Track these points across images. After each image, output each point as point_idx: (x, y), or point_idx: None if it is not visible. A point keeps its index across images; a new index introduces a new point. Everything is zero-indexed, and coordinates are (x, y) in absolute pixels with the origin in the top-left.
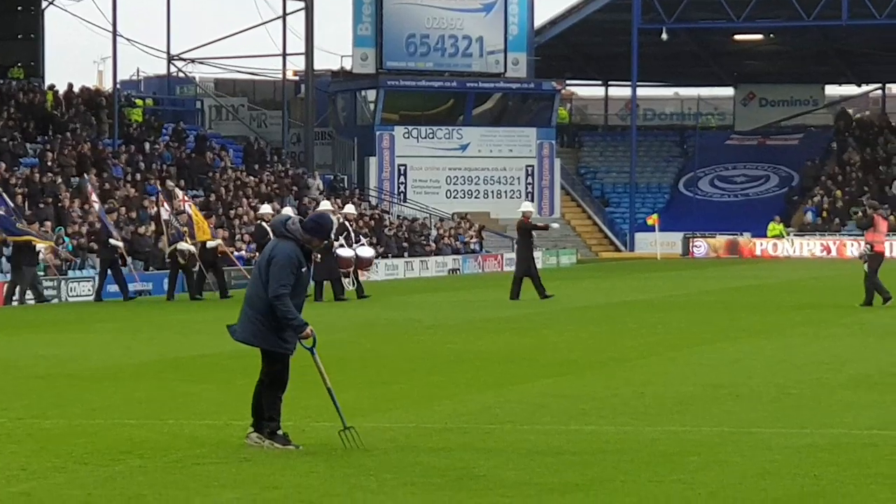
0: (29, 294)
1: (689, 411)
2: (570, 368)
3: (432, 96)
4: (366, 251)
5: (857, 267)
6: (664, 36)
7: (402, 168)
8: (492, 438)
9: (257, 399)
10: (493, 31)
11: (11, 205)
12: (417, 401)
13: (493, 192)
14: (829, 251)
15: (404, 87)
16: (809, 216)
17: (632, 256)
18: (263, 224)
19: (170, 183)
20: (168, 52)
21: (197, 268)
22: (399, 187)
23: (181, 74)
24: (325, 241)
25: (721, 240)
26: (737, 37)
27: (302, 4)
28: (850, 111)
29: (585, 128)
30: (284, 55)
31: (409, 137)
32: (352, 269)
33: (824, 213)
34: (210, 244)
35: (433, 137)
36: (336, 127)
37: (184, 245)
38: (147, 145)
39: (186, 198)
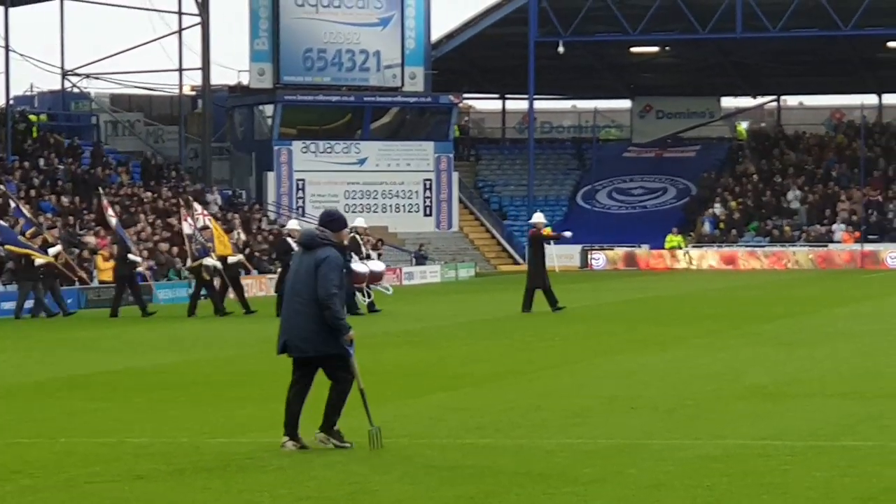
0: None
1: (585, 423)
2: (467, 382)
3: (330, 111)
4: (377, 265)
5: (752, 277)
6: (560, 49)
7: (301, 183)
8: (388, 452)
9: (294, 408)
10: (390, 45)
11: (28, 216)
12: (315, 416)
13: (391, 205)
14: (727, 262)
15: (302, 102)
16: (707, 227)
17: None
18: (288, 239)
19: (189, 197)
20: (62, 68)
21: (219, 283)
22: (297, 202)
23: (76, 90)
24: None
25: (619, 252)
26: (633, 49)
27: (198, 19)
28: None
29: (483, 141)
30: (181, 70)
31: (307, 152)
32: (365, 283)
33: (722, 225)
34: (231, 259)
35: (331, 152)
36: (234, 142)
37: (209, 260)
38: (42, 161)
39: (206, 212)
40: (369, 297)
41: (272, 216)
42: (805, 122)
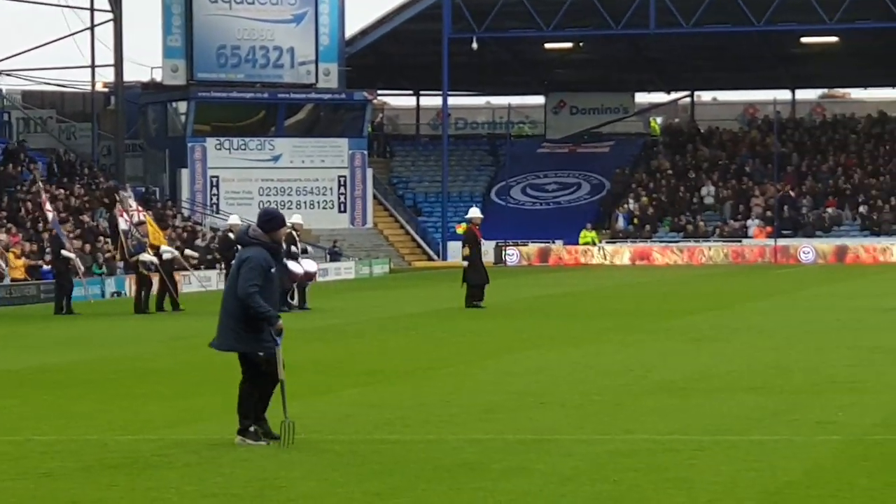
0: None
1: (494, 419)
2: (377, 378)
3: (244, 108)
4: (310, 265)
5: (666, 272)
6: (474, 45)
7: (215, 179)
8: (296, 449)
9: (247, 402)
10: (304, 41)
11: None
12: (224, 413)
13: (305, 202)
14: (641, 258)
15: (215, 99)
16: (621, 223)
17: (444, 265)
18: (230, 235)
19: (122, 192)
20: None
21: (158, 279)
22: (212, 199)
23: None
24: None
25: (533, 248)
26: (547, 45)
27: (111, 15)
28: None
29: (397, 137)
30: (93, 67)
31: (221, 149)
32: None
33: (636, 220)
34: (166, 256)
35: (245, 149)
36: (147, 139)
37: (146, 256)
38: None
39: (140, 207)
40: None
41: (186, 213)
42: (719, 118)
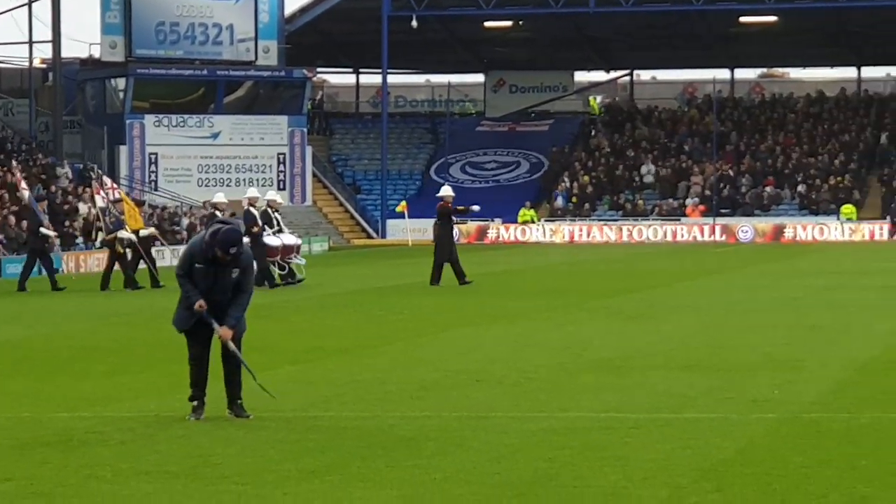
0: None
1: (430, 397)
2: (315, 355)
3: (183, 85)
4: (290, 238)
5: (604, 251)
6: (414, 23)
7: (153, 157)
8: (232, 426)
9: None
10: (243, 18)
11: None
12: (159, 390)
13: (244, 180)
14: (580, 236)
15: (154, 76)
16: (560, 201)
17: (383, 243)
18: (216, 213)
19: (98, 170)
20: None
21: (131, 257)
22: (150, 176)
23: None
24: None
25: (472, 226)
26: (486, 24)
27: None
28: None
29: (337, 115)
30: (31, 43)
31: (159, 126)
32: (279, 256)
33: (575, 199)
34: (143, 233)
35: (184, 126)
36: (85, 115)
37: (124, 233)
38: None
39: (115, 185)
40: (283, 269)
41: (125, 190)
42: (658, 97)
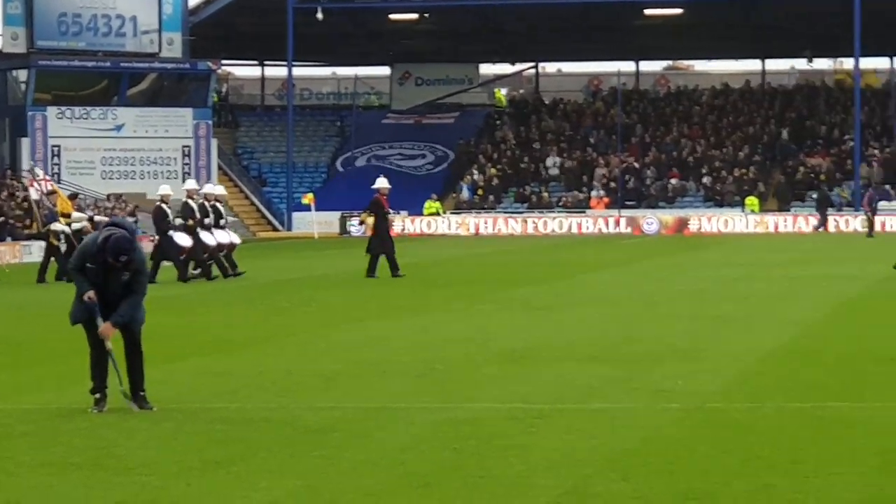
0: None
1: (336, 388)
2: (222, 347)
3: (86, 76)
4: (223, 236)
5: (510, 242)
6: (319, 15)
7: (56, 149)
8: (136, 418)
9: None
10: (147, 10)
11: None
12: (64, 382)
13: (149, 172)
14: (485, 228)
15: (57, 67)
16: (466, 194)
17: (289, 236)
18: (163, 206)
19: (30, 162)
20: None
21: (65, 250)
22: (53, 168)
23: None
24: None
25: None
26: (392, 16)
27: None
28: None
29: (242, 108)
30: None
31: (62, 118)
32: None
33: (480, 191)
34: (76, 225)
35: (87, 118)
36: None
37: (58, 225)
38: None
39: (48, 177)
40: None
41: (27, 183)
42: (563, 89)
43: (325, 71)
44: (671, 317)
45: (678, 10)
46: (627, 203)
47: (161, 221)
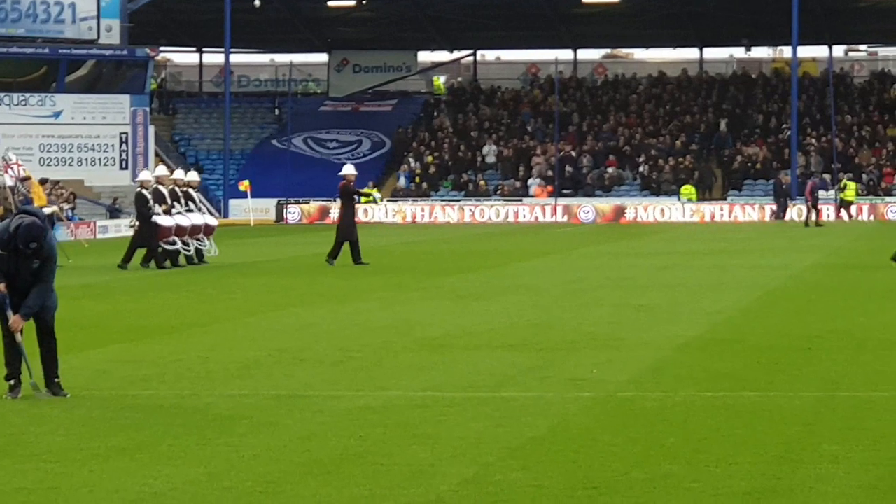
0: None
1: (251, 376)
2: (140, 334)
3: (24, 63)
4: (198, 218)
5: (446, 231)
6: (257, 3)
7: None
8: (47, 405)
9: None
10: None
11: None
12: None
13: (87, 159)
14: (422, 216)
15: None
16: (403, 182)
17: (226, 223)
18: (143, 192)
19: (4, 148)
20: None
21: None
22: None
23: None
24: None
25: (314, 206)
26: (330, 3)
27: None
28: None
29: (180, 94)
30: None
31: (0, 104)
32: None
33: (417, 179)
34: (47, 210)
35: (25, 104)
36: None
37: None
38: None
39: (21, 163)
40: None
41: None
42: (501, 77)
43: (264, 58)
44: (594, 305)
45: None
46: (564, 192)
47: (143, 207)
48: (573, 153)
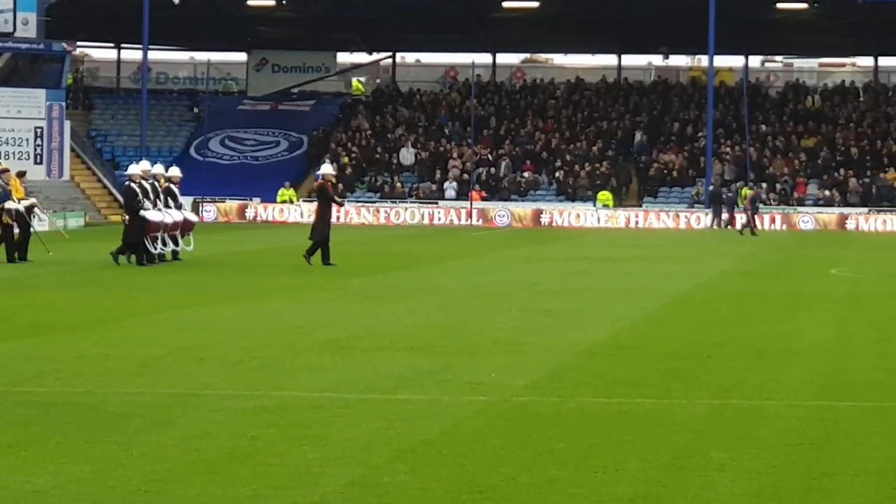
0: None
1: (150, 373)
2: (41, 330)
3: None
4: (177, 215)
5: (361, 232)
6: (176, 0)
7: None
8: None
9: None
10: None
11: None
12: None
13: (1, 153)
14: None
15: None
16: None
17: None
18: (132, 185)
19: None
20: None
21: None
22: None
23: None
24: None
25: (231, 204)
26: (250, 2)
27: None
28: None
29: (97, 90)
30: None
31: None
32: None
33: (334, 180)
34: (25, 203)
35: None
36: None
37: (11, 204)
38: None
39: None
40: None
41: None
42: (420, 80)
43: (183, 55)
44: (501, 309)
45: (535, 4)
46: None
47: (132, 201)
48: (489, 157)
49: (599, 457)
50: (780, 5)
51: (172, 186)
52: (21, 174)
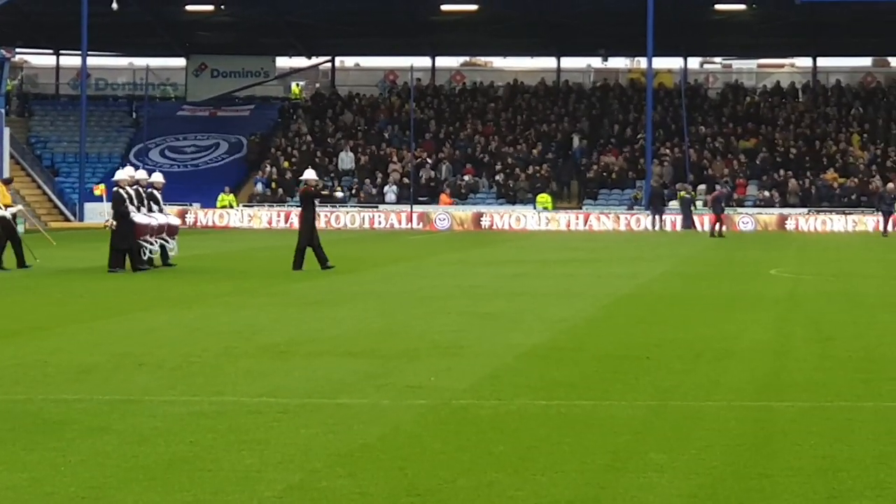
0: None
1: (89, 380)
2: None
3: None
4: (163, 218)
5: (296, 235)
6: (114, 5)
7: None
8: None
9: None
10: None
11: None
12: None
13: None
14: (279, 221)
15: None
16: (259, 187)
17: (81, 226)
18: (121, 192)
19: None
20: None
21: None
22: None
23: None
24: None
25: (170, 210)
26: (188, 7)
27: None
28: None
29: (36, 96)
30: None
31: None
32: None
33: (274, 185)
34: (11, 210)
35: None
36: None
37: None
38: None
39: None
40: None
41: None
42: (360, 84)
43: (122, 61)
44: (440, 313)
45: (473, 7)
46: (420, 199)
47: (120, 206)
48: (429, 160)
49: (538, 459)
50: (718, 6)
51: (155, 192)
52: (7, 181)
